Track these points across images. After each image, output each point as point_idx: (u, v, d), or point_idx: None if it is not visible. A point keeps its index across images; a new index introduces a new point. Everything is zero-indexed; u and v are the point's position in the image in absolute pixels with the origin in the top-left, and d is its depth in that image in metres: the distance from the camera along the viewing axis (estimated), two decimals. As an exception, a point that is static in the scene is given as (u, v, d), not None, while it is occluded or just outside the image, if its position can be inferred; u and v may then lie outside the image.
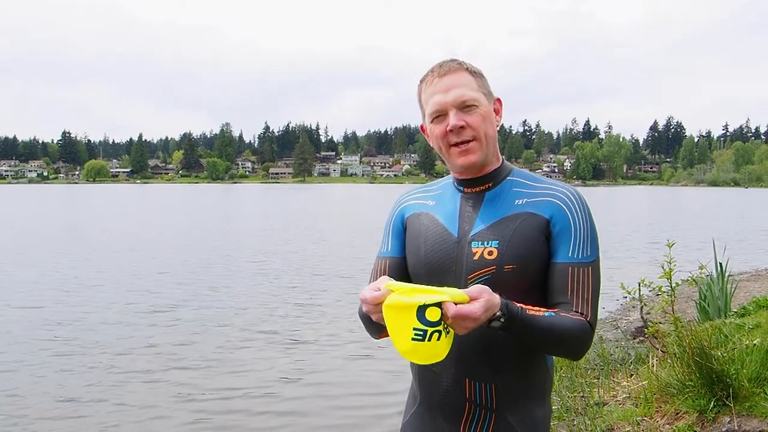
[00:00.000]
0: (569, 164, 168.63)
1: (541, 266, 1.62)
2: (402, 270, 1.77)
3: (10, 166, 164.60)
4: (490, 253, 1.60)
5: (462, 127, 1.61)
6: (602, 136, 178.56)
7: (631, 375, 5.08)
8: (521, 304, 1.49)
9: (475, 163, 1.65)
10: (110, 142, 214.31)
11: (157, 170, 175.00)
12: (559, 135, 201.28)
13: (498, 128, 1.69)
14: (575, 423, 4.34)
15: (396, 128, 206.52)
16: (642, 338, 6.37)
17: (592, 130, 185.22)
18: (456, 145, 1.63)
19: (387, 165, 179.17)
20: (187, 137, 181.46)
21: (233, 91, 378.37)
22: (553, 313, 1.53)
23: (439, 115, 1.63)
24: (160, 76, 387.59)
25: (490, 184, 1.70)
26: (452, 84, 1.61)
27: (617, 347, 6.22)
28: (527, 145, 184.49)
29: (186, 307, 9.93)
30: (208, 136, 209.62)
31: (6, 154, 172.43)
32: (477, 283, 1.56)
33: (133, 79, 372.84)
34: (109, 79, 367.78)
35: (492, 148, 1.67)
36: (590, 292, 1.60)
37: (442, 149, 1.67)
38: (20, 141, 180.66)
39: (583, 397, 4.85)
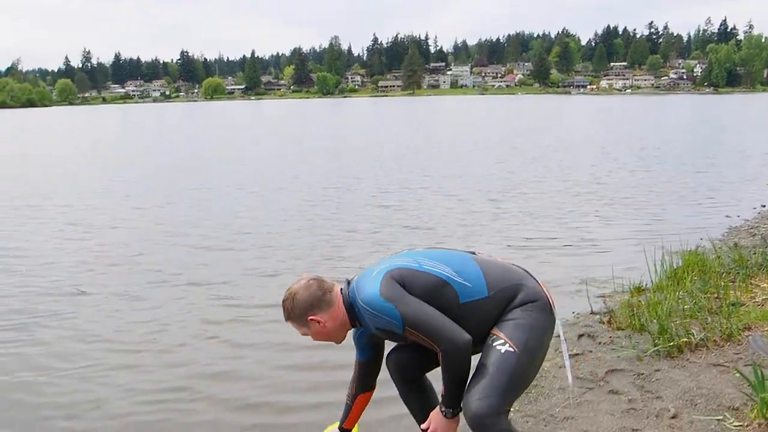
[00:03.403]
0: (700, 70, 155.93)
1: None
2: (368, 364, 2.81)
3: (136, 86, 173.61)
4: (405, 338, 2.40)
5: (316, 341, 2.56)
6: (741, 37, 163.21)
7: (772, 277, 4.90)
8: (441, 395, 2.38)
9: (342, 340, 2.56)
10: (225, 59, 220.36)
11: (270, 86, 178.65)
12: (689, 37, 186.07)
13: (327, 324, 2.46)
14: (708, 321, 4.29)
15: (509, 36, 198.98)
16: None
17: (728, 30, 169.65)
18: None
19: (499, 75, 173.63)
20: (297, 52, 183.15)
21: (341, 4, 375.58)
22: (443, 376, 2.32)
23: None
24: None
25: (358, 323, 2.49)
26: (293, 328, 2.54)
27: (754, 253, 5.97)
28: (653, 49, 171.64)
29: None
30: (318, 51, 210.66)
31: (132, 74, 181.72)
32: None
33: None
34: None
35: (336, 331, 2.49)
36: (422, 336, 2.28)
37: None
38: (143, 62, 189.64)
39: (717, 298, 4.76)
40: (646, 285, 5.48)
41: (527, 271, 2.49)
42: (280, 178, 14.40)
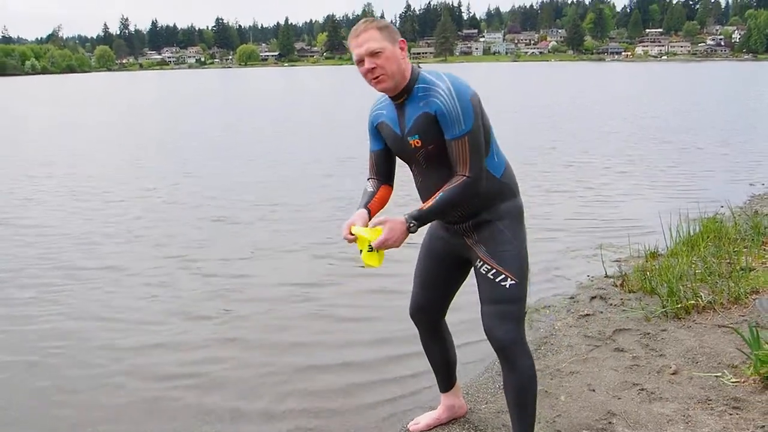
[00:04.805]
0: (739, 36, 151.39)
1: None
2: (382, 157, 2.67)
3: (172, 52, 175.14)
4: (417, 142, 2.43)
5: (373, 68, 2.34)
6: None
7: (784, 243, 4.98)
8: (421, 206, 2.39)
9: (387, 89, 2.41)
10: (259, 26, 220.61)
11: (303, 53, 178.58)
12: (727, 3, 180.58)
13: (404, 59, 2.38)
14: (718, 285, 4.41)
15: (542, 2, 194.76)
16: (802, 212, 6.11)
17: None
18: (373, 78, 2.37)
19: (532, 42, 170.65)
20: (330, 19, 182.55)
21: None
22: (441, 193, 2.36)
23: (360, 61, 2.37)
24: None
25: (405, 96, 2.43)
26: (363, 40, 2.35)
27: (772, 219, 6.02)
28: (690, 15, 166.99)
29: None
30: (351, 18, 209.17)
31: (168, 41, 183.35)
32: (420, 158, 2.48)
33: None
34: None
35: (399, 75, 2.37)
36: (467, 154, 2.34)
37: (366, 80, 2.41)
38: (179, 29, 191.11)
39: (729, 263, 4.86)
40: (661, 250, 5.59)
41: None
42: (308, 151, 14.57)
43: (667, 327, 4.00)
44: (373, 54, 2.34)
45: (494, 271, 2.47)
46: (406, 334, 3.93)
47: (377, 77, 2.36)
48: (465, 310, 3.05)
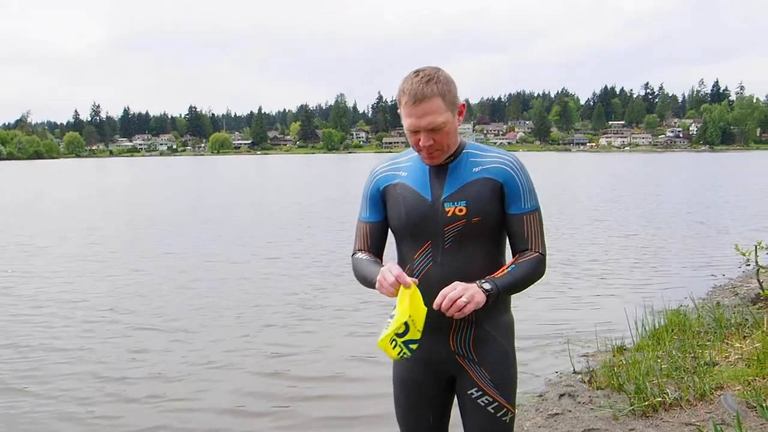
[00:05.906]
0: (695, 129, 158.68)
1: (499, 216, 2.11)
2: (380, 231, 2.28)
3: (144, 140, 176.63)
4: (461, 210, 2.07)
5: (431, 144, 2.03)
6: (733, 97, 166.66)
7: (745, 337, 5.04)
8: (493, 275, 2.04)
9: (439, 163, 2.12)
10: (232, 115, 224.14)
11: (276, 141, 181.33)
12: (684, 98, 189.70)
13: (460, 125, 2.10)
14: (684, 380, 4.42)
15: (510, 95, 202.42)
16: (762, 305, 6.23)
17: (721, 91, 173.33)
18: (428, 154, 2.07)
19: (500, 132, 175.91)
20: (303, 109, 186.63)
21: (347, 62, 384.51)
22: (513, 266, 2.07)
23: (414, 132, 2.03)
24: (278, 48, 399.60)
25: (451, 158, 2.13)
26: (424, 111, 1.98)
27: (734, 313, 6.12)
28: (649, 109, 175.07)
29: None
30: (324, 108, 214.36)
31: (140, 128, 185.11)
32: (452, 233, 2.08)
33: (252, 52, 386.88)
34: (229, 54, 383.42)
35: (453, 145, 2.10)
36: (539, 231, 2.13)
37: (414, 148, 2.11)
38: (152, 116, 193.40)
39: (694, 357, 4.89)
40: (628, 344, 5.61)
41: None
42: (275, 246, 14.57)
43: (635, 426, 3.97)
44: (434, 130, 2.01)
45: (497, 404, 2.16)
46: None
47: (432, 154, 2.07)
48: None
